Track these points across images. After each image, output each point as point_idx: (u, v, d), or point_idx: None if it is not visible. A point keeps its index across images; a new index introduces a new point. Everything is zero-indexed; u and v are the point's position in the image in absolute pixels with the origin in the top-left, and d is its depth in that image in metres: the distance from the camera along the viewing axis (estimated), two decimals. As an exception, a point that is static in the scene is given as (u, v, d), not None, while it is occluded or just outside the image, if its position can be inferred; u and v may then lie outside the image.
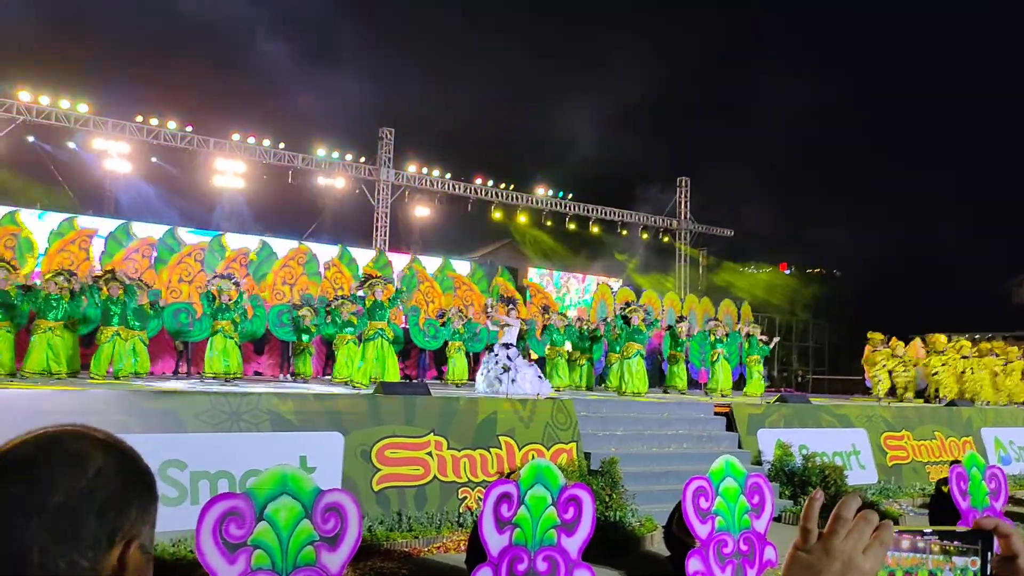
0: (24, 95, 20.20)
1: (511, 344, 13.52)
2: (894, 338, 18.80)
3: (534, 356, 16.96)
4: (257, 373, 16.47)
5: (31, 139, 20.98)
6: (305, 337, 15.43)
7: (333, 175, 24.72)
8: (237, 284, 13.63)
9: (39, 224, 16.80)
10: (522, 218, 28.17)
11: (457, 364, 16.28)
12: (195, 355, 14.95)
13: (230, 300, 13.05)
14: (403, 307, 17.22)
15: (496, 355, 13.19)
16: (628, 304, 17.81)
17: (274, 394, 9.07)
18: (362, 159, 25.10)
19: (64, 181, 22.33)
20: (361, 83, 30.65)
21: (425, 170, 26.02)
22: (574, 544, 6.06)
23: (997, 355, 19.12)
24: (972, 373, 18.50)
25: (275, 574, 4.95)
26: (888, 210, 41.46)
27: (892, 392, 18.34)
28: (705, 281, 32.24)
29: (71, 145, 21.40)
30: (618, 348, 15.55)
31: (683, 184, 30.81)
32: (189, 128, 22.38)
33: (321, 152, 24.27)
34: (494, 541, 5.94)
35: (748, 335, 17.50)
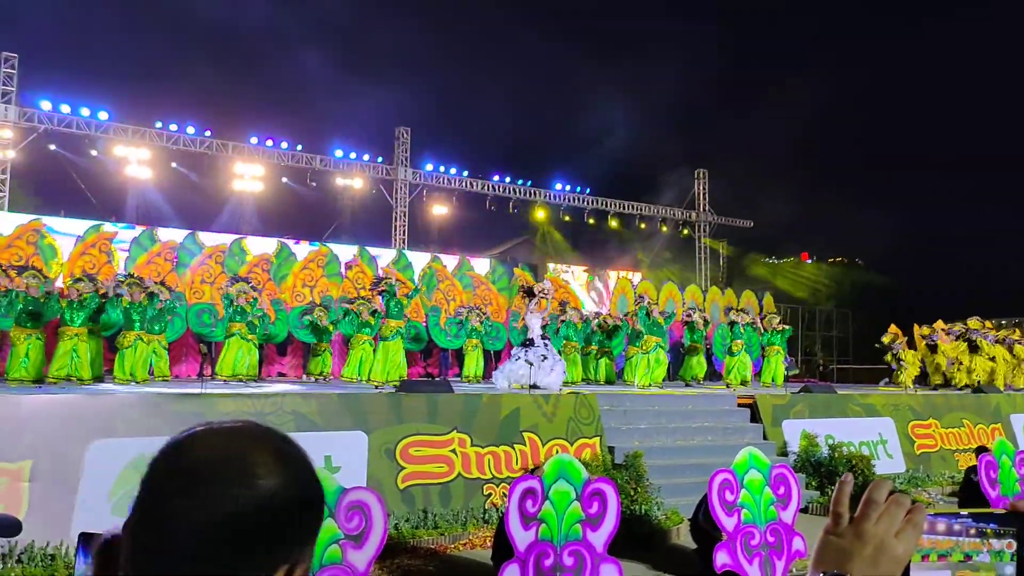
0: (45, 104, 20.43)
1: (544, 336, 13.60)
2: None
3: None
4: (280, 374, 16.57)
5: (53, 147, 21.20)
6: (324, 338, 15.48)
7: (351, 176, 24.81)
8: (254, 288, 13.74)
9: (60, 231, 17.00)
10: (541, 214, 28.12)
11: (473, 362, 16.26)
12: (217, 357, 15.10)
13: (247, 303, 13.15)
14: (424, 306, 17.28)
15: (534, 348, 13.06)
16: (642, 297, 17.81)
17: (298, 394, 9.13)
18: (379, 159, 25.18)
19: (86, 189, 22.56)
20: (378, 84, 30.79)
21: (442, 168, 26.06)
22: (600, 538, 6.04)
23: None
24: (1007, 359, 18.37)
25: (303, 573, 4.97)
26: (911, 197, 41.00)
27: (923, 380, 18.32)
28: (726, 272, 32.05)
29: (92, 152, 21.62)
30: (638, 342, 15.54)
31: (701, 176, 30.65)
32: (208, 133, 22.54)
33: (339, 153, 24.37)
34: (520, 537, 5.94)
35: (766, 324, 17.29)
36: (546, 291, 14.16)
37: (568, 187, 28.24)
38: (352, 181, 24.94)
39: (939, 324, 19.43)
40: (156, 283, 12.97)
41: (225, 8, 28.00)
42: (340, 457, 8.36)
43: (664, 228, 30.34)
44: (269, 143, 23.32)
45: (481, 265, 21.31)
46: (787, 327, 17.40)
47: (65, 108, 20.63)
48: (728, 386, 15.90)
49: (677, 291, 22.05)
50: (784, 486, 6.99)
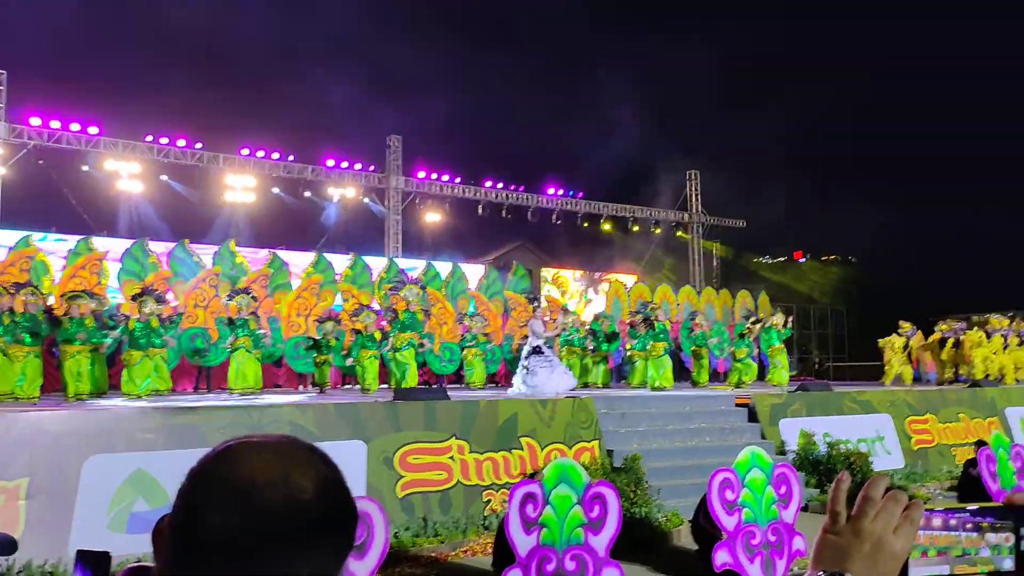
0: (34, 120, 20.40)
1: (549, 345, 13.68)
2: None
3: None
4: (276, 385, 16.52)
5: (42, 163, 21.14)
6: (325, 351, 15.40)
7: (343, 185, 24.82)
8: (255, 299, 13.67)
9: (50, 247, 16.96)
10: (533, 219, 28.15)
11: (476, 369, 16.22)
12: (216, 373, 15.02)
13: (250, 315, 13.09)
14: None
15: (541, 355, 13.15)
16: (647, 304, 17.88)
17: (294, 405, 9.11)
18: (371, 168, 25.19)
19: (77, 204, 22.51)
20: (368, 93, 30.80)
21: (435, 175, 26.07)
22: (601, 542, 6.03)
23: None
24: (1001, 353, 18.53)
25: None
26: (902, 195, 41.11)
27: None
28: (720, 273, 32.11)
29: (83, 168, 21.58)
30: (644, 347, 15.66)
31: (693, 177, 30.71)
32: (199, 145, 22.53)
33: (330, 163, 24.37)
34: (522, 542, 5.93)
35: (765, 325, 17.32)
36: (557, 325, 14.42)
37: (561, 191, 28.27)
38: (344, 190, 24.94)
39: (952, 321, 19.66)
40: (158, 294, 12.89)
41: (214, 20, 28.01)
42: (340, 467, 8.33)
43: (657, 230, 30.38)
44: (260, 154, 23.32)
45: (475, 271, 21.30)
46: (787, 329, 17.42)
47: (55, 123, 20.61)
48: (734, 387, 15.98)
49: (671, 293, 22.08)
50: (786, 485, 6.99)
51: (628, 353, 17.23)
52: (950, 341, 19.22)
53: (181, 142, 22.24)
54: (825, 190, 40.90)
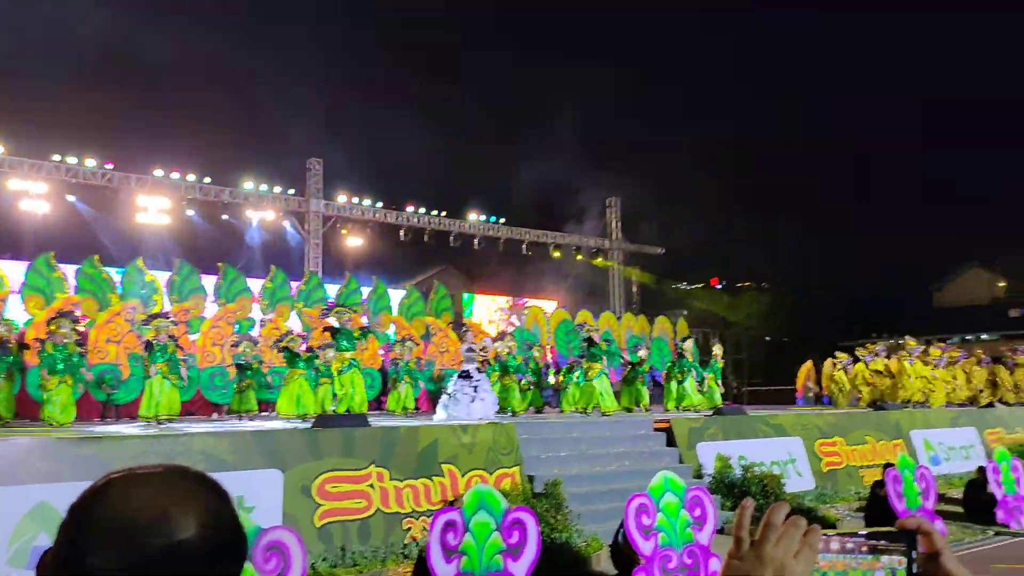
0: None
1: (479, 368, 13.57)
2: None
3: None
4: (189, 413, 15.99)
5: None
6: (248, 374, 15.02)
7: (262, 208, 24.38)
8: (175, 324, 13.28)
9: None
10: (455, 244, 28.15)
11: (404, 393, 15.95)
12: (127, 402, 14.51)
13: (168, 339, 12.68)
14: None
15: (469, 380, 13.02)
16: (582, 325, 18.06)
17: (209, 434, 8.85)
18: (291, 191, 24.82)
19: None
20: (288, 115, 30.43)
21: (356, 199, 25.85)
22: (521, 568, 6.03)
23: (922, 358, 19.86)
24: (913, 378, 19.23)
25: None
26: (814, 223, 42.73)
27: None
28: (639, 299, 32.67)
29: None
30: (580, 370, 15.75)
31: (613, 204, 31.26)
32: (109, 166, 21.82)
33: (248, 185, 23.91)
34: (442, 570, 5.88)
35: (680, 353, 17.59)
36: (485, 350, 14.37)
37: (483, 217, 28.38)
38: (263, 213, 24.50)
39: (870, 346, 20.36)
40: (73, 316, 12.40)
41: (128, 38, 27.31)
42: (254, 497, 8.12)
43: (579, 256, 30.76)
44: (175, 175, 22.72)
45: (398, 297, 21.14)
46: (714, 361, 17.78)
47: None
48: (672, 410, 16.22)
49: (591, 318, 22.33)
50: (700, 508, 7.13)
51: (562, 379, 17.28)
52: (872, 364, 19.80)
53: (90, 162, 21.50)
54: (742, 219, 42.23)
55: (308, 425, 10.45)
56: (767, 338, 33.94)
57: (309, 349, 13.79)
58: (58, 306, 14.23)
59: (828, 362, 20.96)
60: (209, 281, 17.66)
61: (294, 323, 17.89)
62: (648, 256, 32.74)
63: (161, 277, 17.24)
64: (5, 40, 26.63)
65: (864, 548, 1.07)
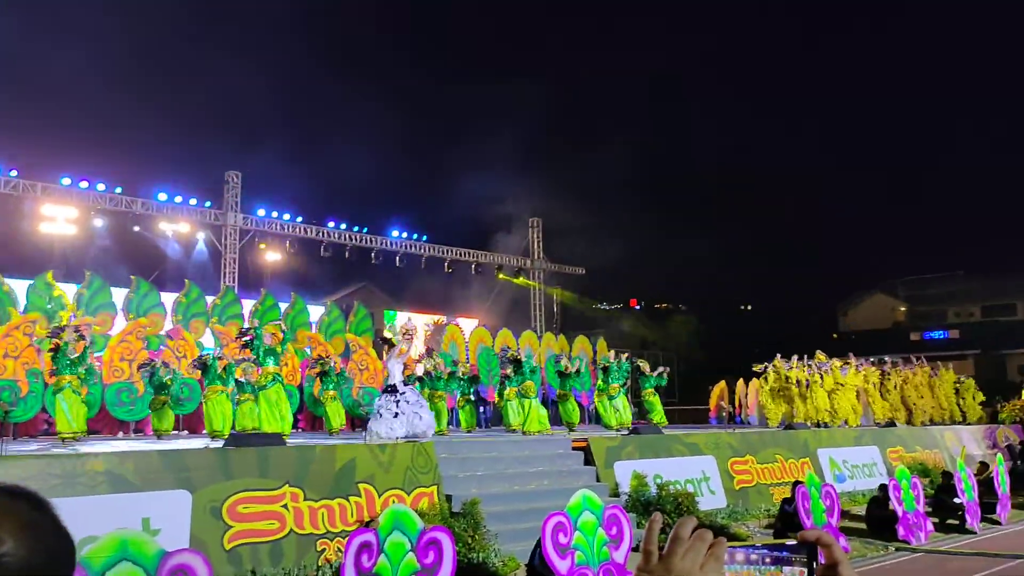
0: None
1: (406, 383, 13.18)
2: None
3: None
4: (93, 431, 15.34)
5: None
6: (163, 392, 14.51)
7: (176, 220, 23.69)
8: (83, 337, 12.76)
9: None
10: (375, 260, 27.90)
11: (335, 412, 15.64)
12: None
13: (75, 354, 12.15)
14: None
15: (400, 394, 12.59)
16: (505, 349, 18.09)
17: (112, 453, 8.51)
18: (208, 204, 24.20)
19: None
20: (206, 127, 29.75)
21: (275, 214, 25.37)
22: (437, 589, 5.98)
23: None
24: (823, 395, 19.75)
25: (115, 647, 4.61)
26: (729, 246, 43.99)
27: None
28: (560, 318, 32.94)
29: None
30: (515, 386, 15.66)
31: (535, 224, 31.52)
32: (13, 172, 20.89)
33: (163, 196, 23.20)
34: (354, 593, 5.77)
35: (605, 368, 17.74)
36: (410, 331, 13.98)
37: (405, 234, 28.22)
38: (177, 226, 23.82)
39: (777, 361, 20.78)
40: None
41: (35, 44, 26.30)
42: (160, 519, 7.83)
43: (501, 275, 30.85)
44: (84, 184, 21.89)
45: (317, 312, 20.79)
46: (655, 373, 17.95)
47: None
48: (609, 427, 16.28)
49: (512, 338, 22.39)
50: (616, 526, 7.20)
51: (501, 399, 17.17)
52: (787, 372, 20.21)
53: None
54: (659, 242, 43.12)
55: (220, 444, 10.15)
56: (680, 359, 34.62)
57: (226, 367, 13.45)
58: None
59: (740, 382, 21.46)
60: (120, 294, 17.06)
61: (208, 339, 17.41)
62: (569, 276, 33.07)
63: (68, 290, 16.56)
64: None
65: (768, 559, 1.10)
